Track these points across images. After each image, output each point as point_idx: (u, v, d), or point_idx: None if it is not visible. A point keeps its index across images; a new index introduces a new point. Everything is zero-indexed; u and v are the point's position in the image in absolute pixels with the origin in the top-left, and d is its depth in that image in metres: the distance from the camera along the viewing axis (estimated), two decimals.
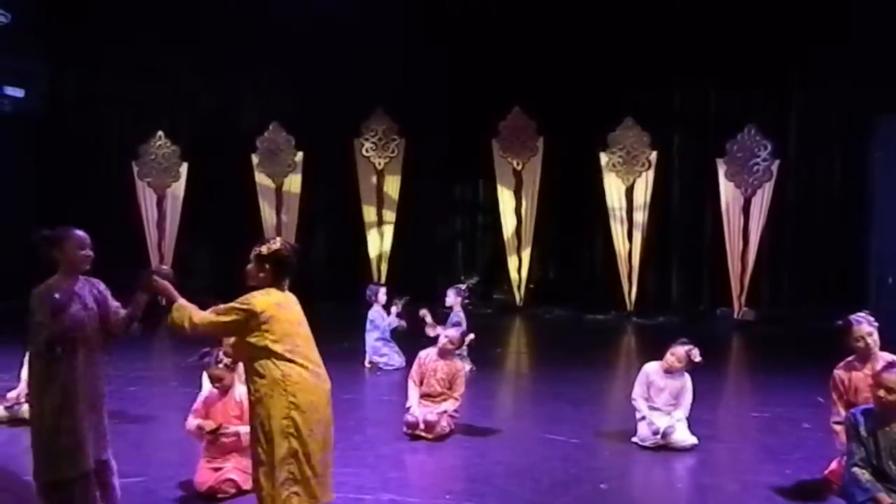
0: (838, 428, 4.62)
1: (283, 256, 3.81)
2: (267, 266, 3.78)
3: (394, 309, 8.61)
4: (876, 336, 4.77)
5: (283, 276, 3.82)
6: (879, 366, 4.48)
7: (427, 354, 6.32)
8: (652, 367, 5.94)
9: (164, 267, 4.07)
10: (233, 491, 4.66)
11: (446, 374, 6.20)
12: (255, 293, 3.72)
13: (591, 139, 12.14)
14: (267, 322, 3.61)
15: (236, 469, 4.68)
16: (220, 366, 4.73)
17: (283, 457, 3.56)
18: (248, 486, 4.41)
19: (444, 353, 6.25)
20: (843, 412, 4.69)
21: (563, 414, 6.74)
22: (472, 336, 7.20)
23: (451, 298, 8.48)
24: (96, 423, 3.82)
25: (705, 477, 5.42)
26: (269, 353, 3.60)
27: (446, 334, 6.34)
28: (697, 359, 5.78)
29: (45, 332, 3.68)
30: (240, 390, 4.74)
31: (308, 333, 3.79)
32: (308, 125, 12.52)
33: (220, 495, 4.64)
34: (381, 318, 8.70)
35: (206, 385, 6.03)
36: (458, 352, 8.08)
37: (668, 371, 5.85)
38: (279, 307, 3.69)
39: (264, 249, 3.81)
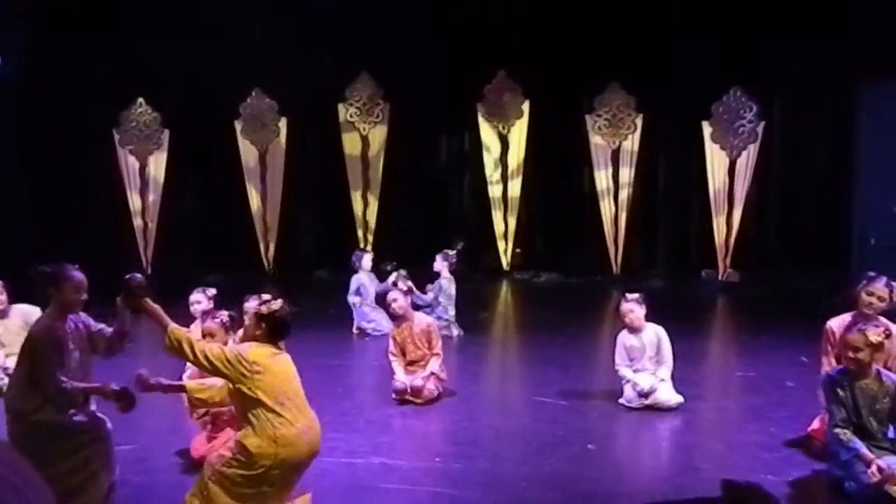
0: None
1: (280, 318, 3.90)
2: (264, 325, 3.88)
3: (391, 280, 8.51)
4: (885, 304, 4.78)
5: (278, 336, 3.91)
6: None
7: (396, 327, 6.36)
8: (623, 333, 6.04)
9: (136, 275, 4.06)
10: None
11: (420, 335, 6.23)
12: (251, 343, 3.85)
13: (577, 102, 12.07)
14: (260, 373, 3.69)
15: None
16: (216, 321, 4.68)
17: (251, 494, 3.67)
18: None
19: (401, 316, 6.27)
20: (833, 363, 4.76)
21: (551, 377, 6.79)
22: (402, 277, 7.12)
23: (439, 264, 8.48)
24: (104, 449, 3.92)
25: (691, 436, 5.51)
26: (261, 406, 3.67)
27: (388, 298, 6.35)
28: (632, 296, 5.96)
29: (50, 373, 3.74)
30: None
31: (299, 388, 3.85)
32: (291, 90, 12.36)
33: None
34: (367, 285, 8.69)
35: None
36: (445, 318, 8.14)
37: (632, 329, 5.93)
38: (272, 360, 3.78)
39: (264, 309, 3.90)
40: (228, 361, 3.66)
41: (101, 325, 4.05)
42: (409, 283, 6.53)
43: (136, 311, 3.91)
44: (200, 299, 6.15)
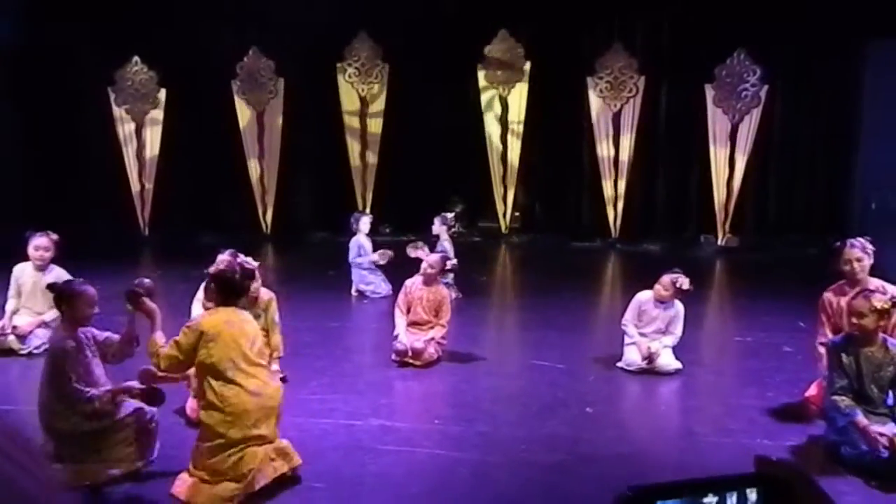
0: (823, 350, 4.69)
1: (226, 278, 3.92)
2: (212, 285, 3.97)
3: (379, 254, 8.55)
4: (866, 263, 4.78)
5: (228, 296, 3.93)
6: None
7: (413, 283, 6.33)
8: (645, 296, 6.00)
9: (145, 280, 4.17)
10: None
11: (432, 302, 6.23)
12: (202, 314, 3.95)
13: (579, 64, 11.93)
14: (213, 340, 3.72)
15: None
16: None
17: (213, 456, 3.74)
18: None
19: (427, 280, 6.27)
20: (829, 334, 4.76)
21: (549, 340, 6.81)
22: (454, 262, 7.20)
23: (437, 227, 8.44)
24: (146, 439, 4.06)
25: (689, 400, 5.54)
26: (212, 373, 3.73)
27: (427, 260, 6.33)
28: (686, 286, 5.82)
29: (74, 386, 3.85)
30: None
31: (251, 351, 3.84)
32: (289, 50, 12.20)
33: None
34: (366, 246, 8.66)
35: (196, 313, 6.04)
36: (444, 280, 8.13)
37: (659, 301, 5.91)
38: (226, 324, 3.79)
39: (212, 269, 4.01)
40: (179, 344, 3.74)
41: (107, 334, 4.15)
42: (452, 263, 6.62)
43: (139, 311, 4.01)
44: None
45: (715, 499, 0.83)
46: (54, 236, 6.24)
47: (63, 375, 3.87)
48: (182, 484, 3.79)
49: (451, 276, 8.34)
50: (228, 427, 3.72)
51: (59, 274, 6.30)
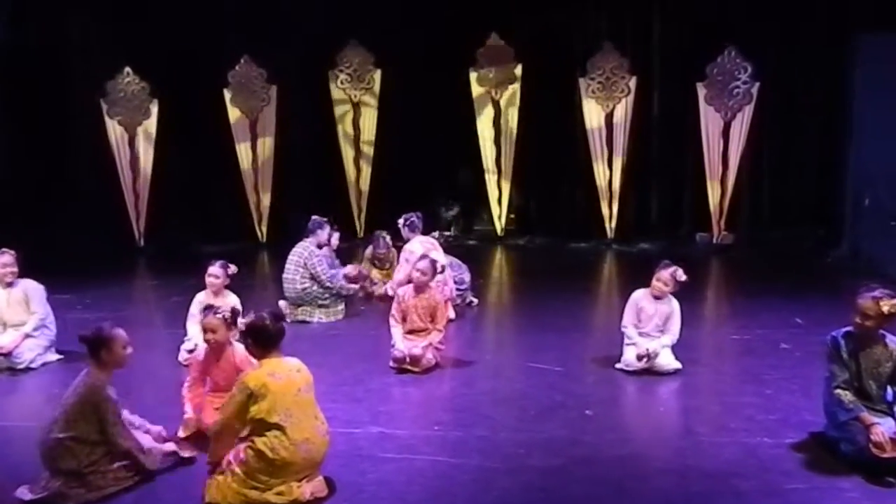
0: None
1: (258, 328, 3.94)
2: (249, 340, 3.97)
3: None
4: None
5: (266, 345, 3.95)
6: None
7: (405, 292, 6.33)
8: (640, 294, 6.01)
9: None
10: None
11: (426, 308, 6.22)
12: (247, 371, 3.96)
13: (570, 65, 11.94)
14: (262, 396, 3.76)
15: None
16: (218, 317, 4.65)
17: (247, 488, 3.81)
18: None
19: (419, 287, 6.25)
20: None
21: (547, 342, 6.81)
22: (441, 265, 7.11)
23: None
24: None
25: (688, 399, 5.54)
26: (262, 425, 3.78)
27: (417, 267, 6.30)
28: (682, 278, 5.86)
29: (120, 430, 3.99)
30: (236, 351, 4.70)
31: (303, 400, 3.91)
32: (281, 58, 12.19)
33: None
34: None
35: (192, 331, 6.04)
36: (461, 288, 8.06)
37: (657, 296, 5.92)
38: (272, 379, 3.82)
39: (242, 325, 4.01)
40: (238, 397, 3.79)
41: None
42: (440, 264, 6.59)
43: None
44: (219, 274, 6.17)
45: None
46: (12, 252, 6.34)
47: (110, 417, 3.92)
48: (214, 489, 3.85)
49: (468, 283, 8.27)
50: (270, 476, 3.79)
51: (27, 285, 6.33)
